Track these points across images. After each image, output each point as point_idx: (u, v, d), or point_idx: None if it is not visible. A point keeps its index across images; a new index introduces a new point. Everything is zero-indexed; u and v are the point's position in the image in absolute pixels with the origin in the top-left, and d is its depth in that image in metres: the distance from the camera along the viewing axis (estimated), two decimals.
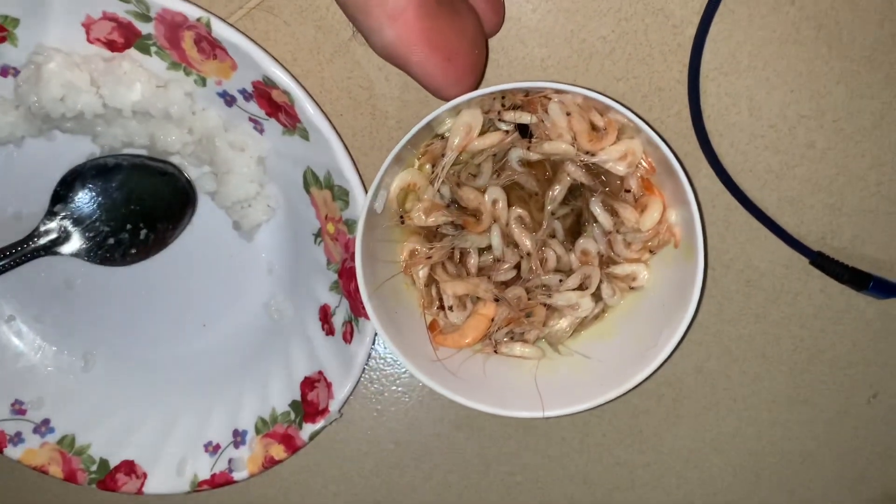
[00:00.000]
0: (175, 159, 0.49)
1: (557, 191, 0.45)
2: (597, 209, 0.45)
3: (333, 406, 0.49)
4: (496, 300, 0.46)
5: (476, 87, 0.42)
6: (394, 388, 0.54)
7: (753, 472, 0.55)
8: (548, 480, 0.55)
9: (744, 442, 0.54)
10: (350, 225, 0.46)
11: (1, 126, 0.47)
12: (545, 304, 0.47)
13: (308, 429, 0.50)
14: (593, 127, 0.43)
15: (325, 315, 0.49)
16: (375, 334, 0.48)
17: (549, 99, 0.42)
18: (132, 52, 0.45)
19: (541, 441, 0.55)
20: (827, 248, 0.50)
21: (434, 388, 0.44)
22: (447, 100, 0.41)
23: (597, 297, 0.47)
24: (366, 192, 0.44)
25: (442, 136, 0.44)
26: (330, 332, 0.49)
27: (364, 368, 0.53)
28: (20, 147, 0.50)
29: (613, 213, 0.45)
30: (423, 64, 0.41)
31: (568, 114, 0.42)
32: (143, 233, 0.50)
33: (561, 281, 0.46)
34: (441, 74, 0.41)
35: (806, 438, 0.54)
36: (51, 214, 0.50)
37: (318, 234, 0.48)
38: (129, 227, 0.50)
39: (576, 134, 0.42)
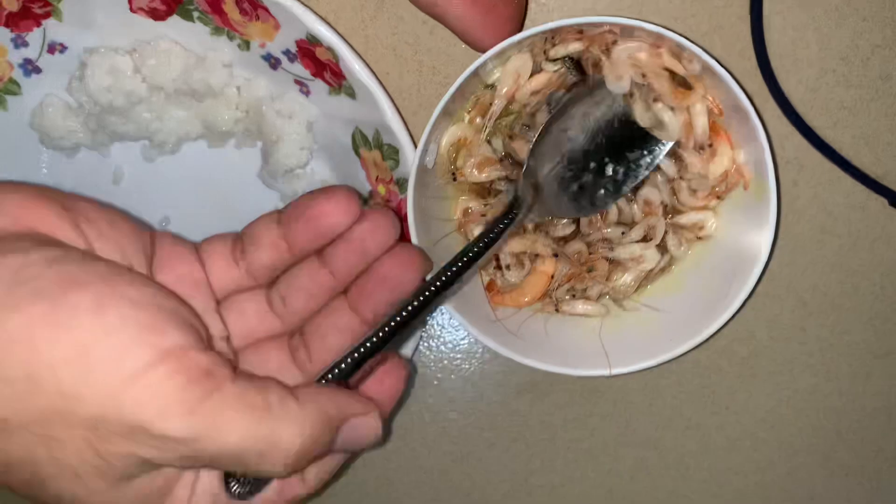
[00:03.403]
0: (231, 139, 0.49)
1: None
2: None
3: None
4: (555, 256, 0.44)
5: None
6: (453, 355, 0.53)
7: (834, 431, 0.52)
8: (616, 446, 0.54)
9: (823, 399, 0.52)
10: (402, 185, 0.44)
11: (59, 127, 0.48)
12: (607, 259, 0.45)
13: None
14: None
15: None
16: None
17: (610, 36, 0.40)
18: (175, 20, 0.44)
19: (608, 406, 0.53)
20: None
21: (494, 349, 0.43)
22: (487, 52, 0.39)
23: (662, 248, 0.45)
24: (416, 150, 0.43)
25: (492, 87, 0.42)
26: None
27: (422, 336, 0.52)
28: (72, 158, 0.50)
29: (677, 158, 0.43)
30: (462, 16, 0.40)
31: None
32: (609, 168, 0.42)
33: (623, 234, 0.44)
34: (480, 27, 0.41)
35: (891, 393, 0.51)
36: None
37: (370, 198, 0.47)
38: (592, 165, 0.42)
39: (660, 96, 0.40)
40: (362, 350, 0.34)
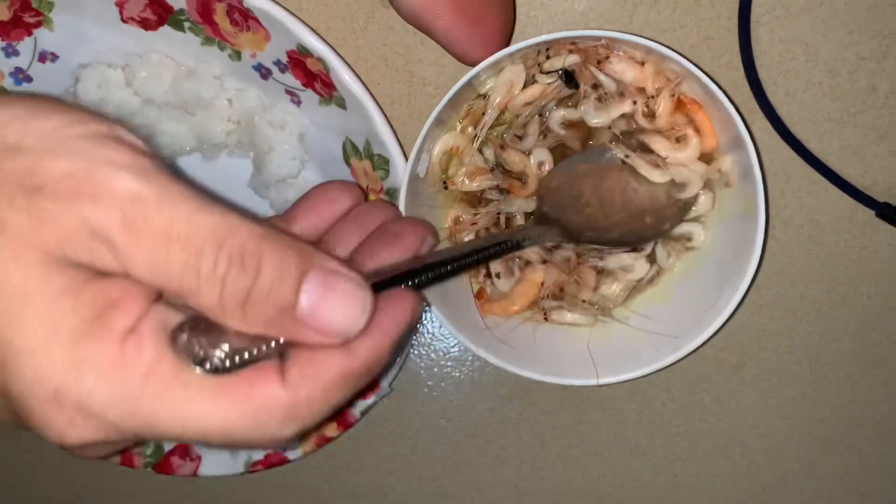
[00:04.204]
0: (224, 151, 0.49)
1: None
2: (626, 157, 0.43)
3: (384, 381, 0.48)
4: (544, 262, 0.44)
5: None
6: (443, 362, 0.53)
7: (822, 440, 0.53)
8: (606, 453, 0.54)
9: (811, 408, 0.52)
10: (392, 195, 0.45)
11: None
12: (596, 268, 0.45)
13: (360, 404, 0.49)
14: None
15: None
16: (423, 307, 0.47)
17: (603, 51, 0.40)
18: (166, 30, 0.45)
19: (597, 413, 0.53)
20: (894, 198, 0.47)
21: (483, 357, 0.43)
22: (473, 66, 0.40)
23: (651, 259, 0.45)
24: (406, 159, 0.43)
25: (484, 96, 0.43)
26: None
27: (413, 343, 0.52)
28: None
29: (645, 150, 0.43)
30: (449, 29, 0.40)
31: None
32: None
33: None
34: (466, 40, 0.41)
35: (878, 402, 0.52)
36: None
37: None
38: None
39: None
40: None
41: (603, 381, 0.43)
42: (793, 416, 0.52)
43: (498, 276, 0.45)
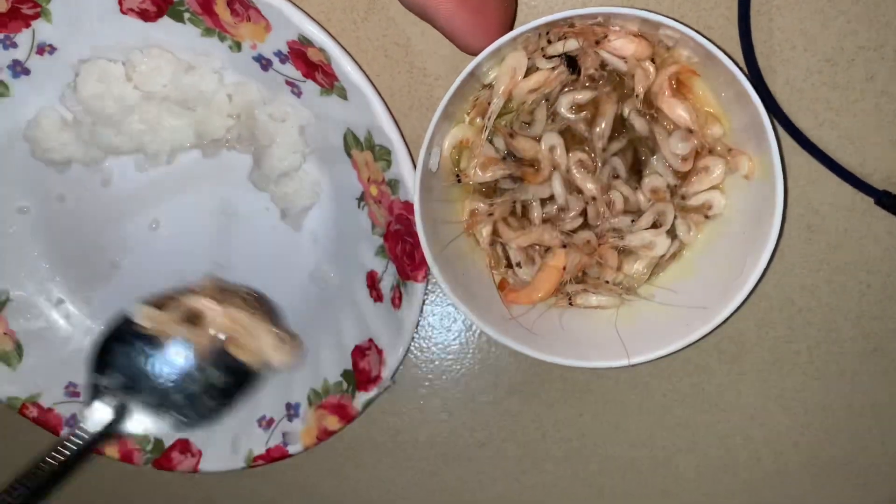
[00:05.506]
0: (224, 147, 0.49)
1: (603, 125, 0.43)
2: (634, 119, 0.43)
3: (385, 373, 0.48)
4: (564, 246, 0.44)
5: None
6: (444, 355, 0.53)
7: (822, 429, 0.53)
8: (607, 445, 0.54)
9: (811, 397, 0.52)
10: (393, 185, 0.44)
11: (52, 138, 0.47)
12: (617, 248, 0.45)
13: (361, 397, 0.49)
14: None
15: (373, 281, 0.48)
16: (424, 299, 0.47)
17: (600, 30, 0.40)
18: (165, 21, 0.44)
19: (598, 405, 0.53)
20: (893, 186, 0.47)
21: (511, 346, 0.42)
22: (476, 55, 0.39)
23: (672, 234, 0.45)
24: (408, 150, 0.43)
25: (489, 87, 0.42)
26: (378, 298, 0.48)
27: (414, 336, 0.52)
28: (63, 173, 0.50)
29: (655, 119, 0.43)
30: (451, 18, 0.40)
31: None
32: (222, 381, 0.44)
33: (633, 221, 0.44)
34: (469, 29, 0.41)
35: (878, 390, 0.52)
36: (97, 390, 0.43)
37: (362, 198, 0.47)
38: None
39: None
40: None
41: (634, 360, 0.42)
42: (793, 406, 0.52)
43: (519, 265, 0.45)
